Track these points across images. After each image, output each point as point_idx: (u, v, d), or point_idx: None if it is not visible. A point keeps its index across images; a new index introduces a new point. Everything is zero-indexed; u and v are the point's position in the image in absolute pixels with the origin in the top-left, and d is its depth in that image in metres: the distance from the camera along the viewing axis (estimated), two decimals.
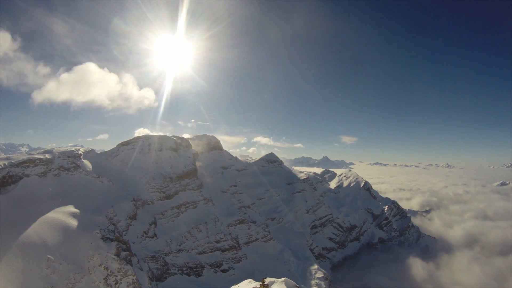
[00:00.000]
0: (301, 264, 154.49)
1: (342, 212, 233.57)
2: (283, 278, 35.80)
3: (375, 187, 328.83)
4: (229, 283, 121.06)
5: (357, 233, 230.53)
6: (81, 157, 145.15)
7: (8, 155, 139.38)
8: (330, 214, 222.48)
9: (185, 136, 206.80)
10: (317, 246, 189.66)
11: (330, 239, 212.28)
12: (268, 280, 36.50)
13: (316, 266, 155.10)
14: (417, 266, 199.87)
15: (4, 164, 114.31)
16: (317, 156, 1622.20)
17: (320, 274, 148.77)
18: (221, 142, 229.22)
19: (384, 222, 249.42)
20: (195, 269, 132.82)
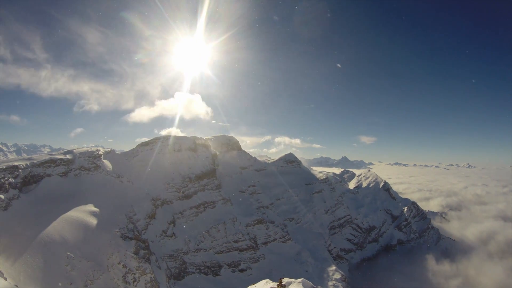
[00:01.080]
0: (319, 265, 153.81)
1: (361, 213, 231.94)
2: (300, 279, 36.06)
3: (394, 187, 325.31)
4: (246, 283, 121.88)
5: (376, 234, 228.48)
6: (101, 157, 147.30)
7: (30, 156, 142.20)
8: (348, 215, 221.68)
9: (204, 136, 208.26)
10: (335, 247, 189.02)
11: (349, 240, 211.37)
12: (285, 280, 36.64)
13: (334, 267, 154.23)
14: (437, 268, 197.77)
15: (26, 164, 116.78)
16: (336, 156, 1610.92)
17: (337, 276, 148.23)
18: (241, 142, 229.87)
19: (404, 223, 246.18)
20: (212, 269, 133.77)
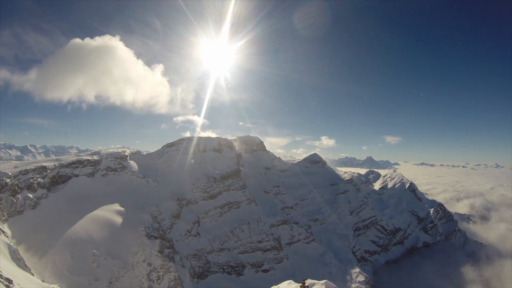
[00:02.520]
0: (343, 267, 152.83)
1: (386, 215, 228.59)
2: (323, 281, 35.69)
3: (420, 188, 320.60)
4: (269, 283, 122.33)
5: (401, 236, 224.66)
6: (127, 158, 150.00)
7: (58, 157, 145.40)
8: (373, 216, 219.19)
9: (229, 137, 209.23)
10: (359, 249, 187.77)
11: (373, 242, 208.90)
12: (308, 282, 36.08)
13: (357, 270, 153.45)
14: (463, 273, 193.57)
15: (54, 165, 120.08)
16: (361, 156, 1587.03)
17: (361, 278, 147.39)
18: (267, 143, 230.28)
19: (430, 225, 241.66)
20: (236, 268, 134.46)
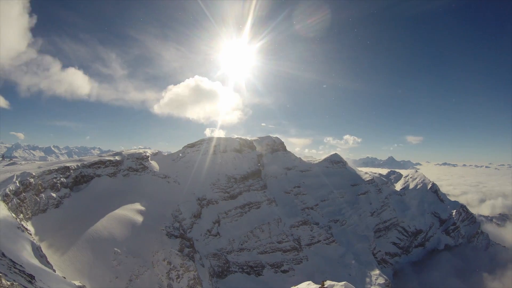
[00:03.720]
0: (362, 269, 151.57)
1: (408, 216, 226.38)
2: (343, 282, 35.59)
3: (442, 189, 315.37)
4: (288, 284, 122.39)
5: (422, 238, 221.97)
6: (149, 158, 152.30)
7: (80, 157, 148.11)
8: (395, 218, 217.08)
9: (249, 137, 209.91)
10: (380, 251, 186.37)
11: (394, 243, 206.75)
12: (328, 283, 35.96)
13: (377, 272, 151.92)
14: (485, 277, 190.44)
15: (77, 165, 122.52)
16: (382, 156, 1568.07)
17: (381, 280, 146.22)
18: (289, 144, 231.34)
19: (452, 227, 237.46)
20: (255, 268, 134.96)
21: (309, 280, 40.21)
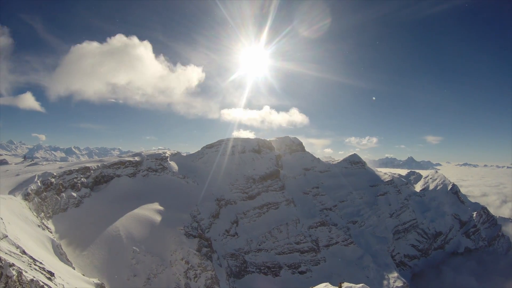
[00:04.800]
0: (380, 271, 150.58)
1: (427, 218, 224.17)
2: (360, 285, 35.32)
3: (463, 190, 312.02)
4: (305, 285, 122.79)
5: (442, 241, 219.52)
6: (168, 159, 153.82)
7: (101, 158, 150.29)
8: (414, 219, 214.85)
9: (268, 138, 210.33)
10: (398, 253, 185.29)
11: (413, 246, 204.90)
12: (345, 285, 35.88)
13: (395, 274, 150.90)
14: (506, 281, 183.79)
15: (97, 166, 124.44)
16: (402, 156, 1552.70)
17: (399, 283, 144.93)
18: (309, 144, 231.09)
19: (472, 230, 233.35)
20: (272, 269, 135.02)
21: (327, 282, 40.42)
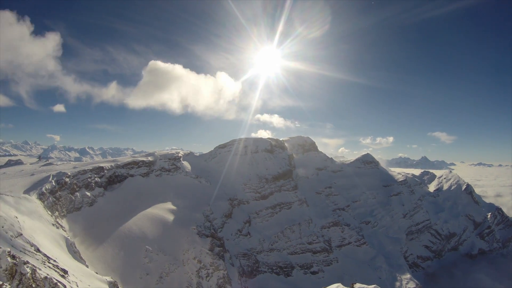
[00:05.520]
0: (393, 272, 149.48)
1: (441, 218, 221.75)
2: (373, 286, 35.00)
3: (477, 190, 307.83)
4: (317, 285, 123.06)
5: (455, 242, 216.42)
6: (181, 159, 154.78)
7: (114, 158, 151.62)
8: (428, 220, 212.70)
9: (281, 138, 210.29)
10: (411, 254, 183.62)
11: (426, 247, 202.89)
12: (357, 286, 35.70)
13: (408, 276, 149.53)
14: None
15: (111, 166, 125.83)
16: (415, 156, 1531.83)
17: (412, 285, 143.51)
18: (322, 144, 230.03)
19: (486, 231, 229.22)
20: (285, 269, 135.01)
21: (339, 283, 40.51)
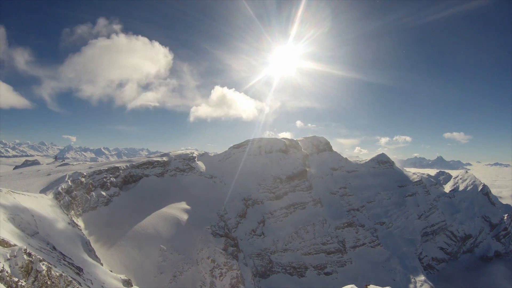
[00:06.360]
0: (407, 274, 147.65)
1: (457, 220, 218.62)
2: (387, 287, 35.44)
3: (493, 191, 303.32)
4: (331, 286, 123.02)
5: (471, 244, 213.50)
6: (195, 159, 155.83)
7: (129, 158, 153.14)
8: (443, 221, 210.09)
9: (295, 138, 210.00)
10: (426, 256, 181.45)
11: (441, 249, 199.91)
12: (371, 287, 35.92)
13: (423, 278, 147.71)
14: None
15: (126, 166, 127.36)
16: (431, 156, 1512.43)
17: (426, 287, 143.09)
18: (338, 144, 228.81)
19: (503, 233, 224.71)
20: (298, 269, 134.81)
21: (353, 284, 40.49)
